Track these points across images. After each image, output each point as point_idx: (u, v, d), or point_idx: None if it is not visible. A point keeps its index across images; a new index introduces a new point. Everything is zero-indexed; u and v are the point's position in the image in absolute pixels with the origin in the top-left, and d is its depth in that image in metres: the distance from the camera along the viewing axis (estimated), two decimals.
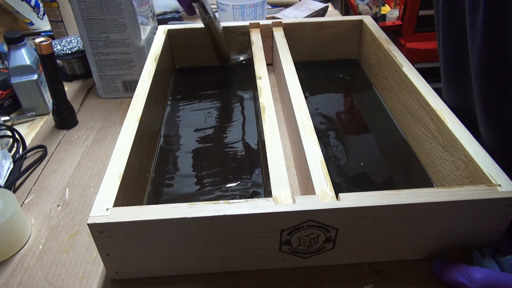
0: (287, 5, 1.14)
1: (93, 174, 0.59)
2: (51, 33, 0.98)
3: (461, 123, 0.49)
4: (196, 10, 0.69)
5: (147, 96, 0.57)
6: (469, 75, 0.52)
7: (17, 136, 0.64)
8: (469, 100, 0.54)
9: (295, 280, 0.44)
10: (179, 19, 1.10)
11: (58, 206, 0.54)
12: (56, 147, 0.65)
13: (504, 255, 0.42)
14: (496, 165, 0.43)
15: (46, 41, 0.62)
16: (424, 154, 0.56)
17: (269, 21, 0.80)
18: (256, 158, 0.59)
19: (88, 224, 0.38)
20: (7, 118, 0.71)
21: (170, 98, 0.75)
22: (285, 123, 0.67)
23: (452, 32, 0.54)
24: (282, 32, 0.78)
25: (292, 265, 0.44)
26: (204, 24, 0.72)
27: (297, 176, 0.56)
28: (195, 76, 0.82)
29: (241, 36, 0.81)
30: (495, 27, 0.44)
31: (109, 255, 0.41)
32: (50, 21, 0.95)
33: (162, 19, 1.06)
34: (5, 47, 0.82)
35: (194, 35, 0.80)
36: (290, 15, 1.05)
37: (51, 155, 0.64)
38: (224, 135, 0.65)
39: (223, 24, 0.80)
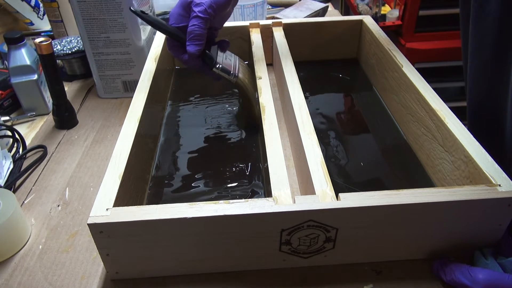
0: (287, 5, 1.14)
1: (93, 174, 0.59)
2: (51, 33, 0.98)
3: (461, 123, 0.49)
4: (219, 74, 0.60)
5: (147, 96, 0.57)
6: (493, 64, 0.51)
7: (17, 136, 0.64)
8: (497, 92, 0.53)
9: (295, 280, 0.44)
10: None
11: (58, 206, 0.54)
12: (56, 147, 0.65)
13: (505, 256, 0.42)
14: (496, 165, 0.43)
15: (46, 41, 0.62)
16: (424, 154, 0.56)
17: (269, 21, 0.80)
18: (256, 158, 0.59)
19: (88, 224, 0.38)
20: (7, 118, 0.71)
21: (170, 98, 0.75)
22: (285, 123, 0.67)
23: (483, 21, 0.54)
24: (282, 32, 0.78)
25: (292, 265, 0.44)
26: (233, 84, 0.62)
27: (297, 176, 0.56)
28: (195, 76, 0.82)
29: (240, 41, 0.81)
30: None
31: (109, 255, 0.41)
32: (50, 21, 0.95)
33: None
34: (5, 47, 0.82)
35: None
36: (290, 15, 1.05)
37: (51, 155, 0.64)
38: (224, 135, 0.65)
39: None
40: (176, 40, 0.57)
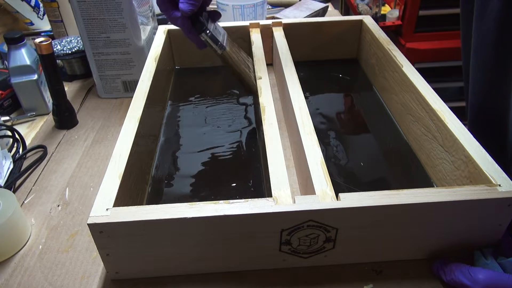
0: (287, 5, 1.14)
1: (93, 174, 0.59)
2: (51, 33, 0.98)
3: (461, 123, 0.49)
4: (206, 41, 0.58)
5: (147, 96, 0.57)
6: (494, 63, 0.51)
7: (17, 136, 0.64)
8: (497, 92, 0.53)
9: (295, 280, 0.44)
10: None
11: (58, 206, 0.54)
12: (56, 147, 0.65)
13: (505, 256, 0.42)
14: (496, 165, 0.43)
15: (46, 41, 0.62)
16: (424, 154, 0.56)
17: (269, 21, 0.80)
18: (256, 158, 0.59)
19: (88, 224, 0.38)
20: (7, 118, 0.71)
21: (170, 98, 0.75)
22: (285, 123, 0.67)
23: (486, 19, 0.54)
24: (282, 32, 0.78)
25: (292, 265, 0.44)
26: (218, 55, 0.61)
27: (297, 176, 0.56)
28: (195, 76, 0.82)
29: (240, 41, 0.81)
30: None
31: (109, 255, 0.41)
32: (50, 21, 0.95)
33: (162, 19, 1.06)
34: (5, 47, 0.82)
35: None
36: (290, 15, 1.05)
37: (51, 155, 0.64)
38: (224, 135, 0.65)
39: (223, 24, 0.79)
40: None
